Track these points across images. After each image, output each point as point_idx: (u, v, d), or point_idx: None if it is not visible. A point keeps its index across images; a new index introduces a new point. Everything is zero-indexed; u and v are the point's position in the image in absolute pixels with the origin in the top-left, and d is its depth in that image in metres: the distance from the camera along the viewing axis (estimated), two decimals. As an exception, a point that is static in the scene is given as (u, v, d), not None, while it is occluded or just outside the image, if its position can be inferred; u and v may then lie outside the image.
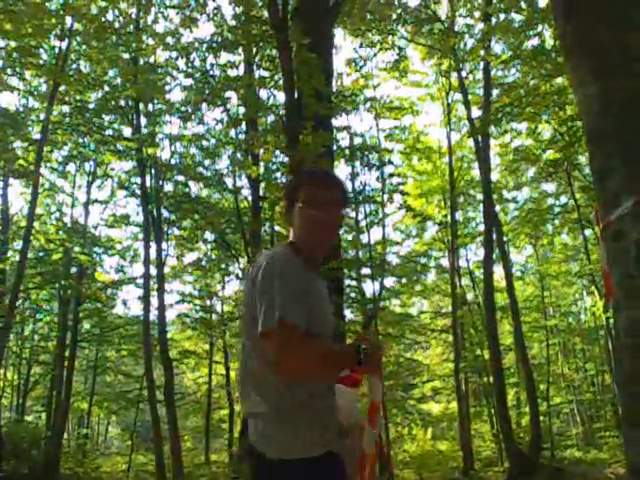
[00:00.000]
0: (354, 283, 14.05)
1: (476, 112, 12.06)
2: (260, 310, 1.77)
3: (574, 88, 2.40)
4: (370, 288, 14.29)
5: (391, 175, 12.94)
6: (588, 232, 13.88)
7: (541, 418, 12.66)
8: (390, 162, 12.22)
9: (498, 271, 14.31)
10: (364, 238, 13.93)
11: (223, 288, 16.38)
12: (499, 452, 13.48)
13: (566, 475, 10.17)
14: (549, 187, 15.82)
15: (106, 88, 11.88)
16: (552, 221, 15.30)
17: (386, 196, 12.45)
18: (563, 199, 15.02)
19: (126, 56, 11.47)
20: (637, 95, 2.14)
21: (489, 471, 12.54)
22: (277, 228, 11.25)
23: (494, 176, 14.94)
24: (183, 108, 11.68)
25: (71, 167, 14.61)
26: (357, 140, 12.83)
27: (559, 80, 9.25)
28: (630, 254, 2.09)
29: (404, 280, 17.11)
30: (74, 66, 11.75)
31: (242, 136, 11.65)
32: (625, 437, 2.12)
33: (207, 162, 12.83)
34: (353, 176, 12.61)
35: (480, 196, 13.43)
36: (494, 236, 11.41)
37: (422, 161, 15.83)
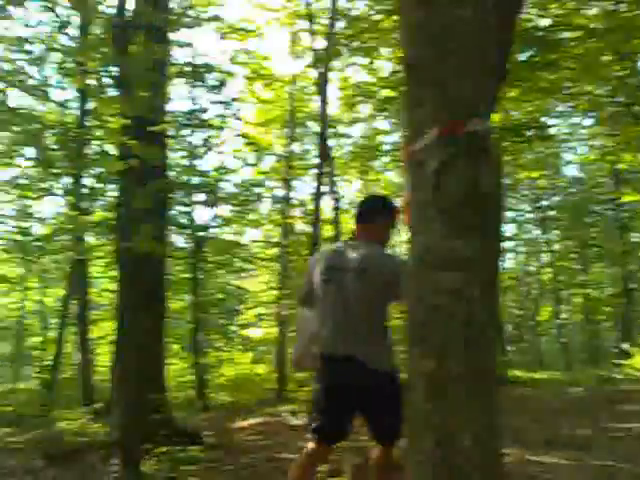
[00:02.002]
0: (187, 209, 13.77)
1: (320, 42, 11.96)
2: (400, 285, 3.19)
3: (400, 15, 2.39)
4: (203, 215, 14.10)
5: (234, 100, 12.59)
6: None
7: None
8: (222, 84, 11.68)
9: (328, 203, 14.75)
10: (200, 164, 13.60)
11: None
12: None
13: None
14: (382, 124, 16.41)
15: None
16: (381, 158, 15.99)
17: (227, 120, 12.11)
18: (395, 137, 15.61)
19: None
20: (456, 24, 2.18)
21: (301, 391, 13.27)
22: (106, 147, 10.54)
23: (333, 110, 15.18)
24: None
25: None
26: (200, 60, 12.20)
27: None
28: (428, 183, 2.19)
29: (238, 209, 17.07)
30: None
31: (72, 44, 10.56)
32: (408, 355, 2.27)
33: (31, 69, 11.42)
34: (191, 97, 12.07)
35: (318, 129, 13.56)
36: (326, 169, 11.68)
37: (265, 88, 15.55)
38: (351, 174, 17.91)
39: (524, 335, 24.58)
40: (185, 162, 13.50)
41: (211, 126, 12.25)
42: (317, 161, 11.91)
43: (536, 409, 8.63)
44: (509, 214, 21.56)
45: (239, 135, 13.68)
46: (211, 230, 14.42)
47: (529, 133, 10.74)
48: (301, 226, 17.28)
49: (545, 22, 8.89)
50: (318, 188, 11.59)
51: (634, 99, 12.30)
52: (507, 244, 22.34)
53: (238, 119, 12.19)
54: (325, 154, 11.55)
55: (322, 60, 10.70)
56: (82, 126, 10.18)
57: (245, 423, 8.84)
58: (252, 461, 6.06)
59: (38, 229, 14.87)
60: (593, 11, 11.11)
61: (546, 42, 7.79)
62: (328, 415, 3.44)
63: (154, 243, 6.12)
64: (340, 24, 11.18)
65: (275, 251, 16.63)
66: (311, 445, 3.47)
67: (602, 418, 7.56)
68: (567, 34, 8.31)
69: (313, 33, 11.65)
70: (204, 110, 11.89)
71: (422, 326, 2.17)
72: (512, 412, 8.08)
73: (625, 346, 15.00)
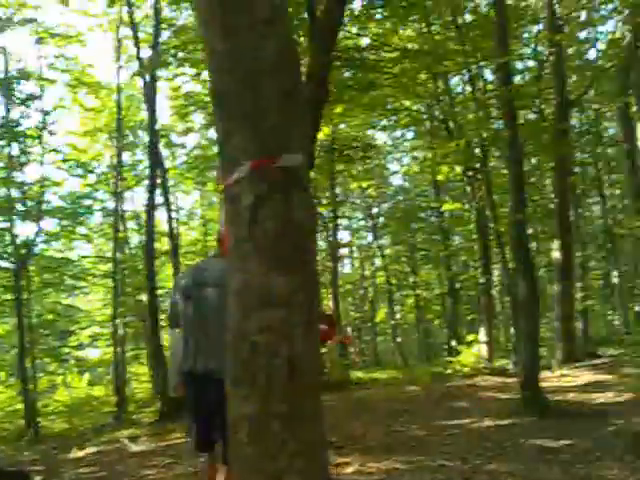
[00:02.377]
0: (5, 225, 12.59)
1: (146, 51, 11.53)
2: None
3: (205, 43, 2.29)
4: (25, 231, 12.95)
5: (54, 108, 11.68)
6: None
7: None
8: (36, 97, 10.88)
9: (164, 216, 14.31)
10: (19, 176, 12.50)
11: None
12: (154, 393, 13.75)
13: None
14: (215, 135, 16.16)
15: None
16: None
17: (46, 131, 11.22)
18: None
19: None
20: (261, 57, 2.12)
21: (142, 412, 12.68)
22: None
23: (165, 119, 14.72)
24: None
25: None
26: (17, 66, 11.23)
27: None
28: (244, 218, 2.11)
29: (65, 222, 15.95)
30: None
31: None
32: (229, 395, 2.19)
33: None
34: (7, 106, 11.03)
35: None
36: (158, 180, 11.28)
37: (90, 97, 14.68)
38: (188, 185, 17.52)
39: (363, 337, 25.66)
40: (2, 174, 12.37)
41: (29, 137, 11.30)
42: (148, 172, 11.45)
43: (376, 411, 8.91)
44: (344, 222, 22.50)
45: (60, 146, 12.76)
46: (36, 247, 13.32)
47: (353, 152, 11.21)
48: (136, 239, 16.56)
49: (364, 42, 9.35)
50: (151, 199, 11.13)
51: (448, 116, 13.41)
52: (343, 250, 23.25)
53: (52, 133, 11.27)
54: (156, 164, 11.15)
55: (148, 69, 10.31)
56: None
57: (81, 453, 8.15)
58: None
59: None
60: (408, 32, 11.96)
61: (365, 63, 8.18)
62: (197, 428, 3.59)
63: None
64: (166, 34, 10.87)
65: (109, 267, 15.75)
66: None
67: (436, 416, 7.94)
68: (385, 54, 8.79)
69: (138, 41, 11.16)
70: (17, 122, 10.92)
71: (245, 366, 2.09)
72: (352, 416, 8.33)
73: (453, 343, 16.25)
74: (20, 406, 11.95)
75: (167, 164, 15.10)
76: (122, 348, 14.31)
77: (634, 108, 11.36)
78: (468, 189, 13.84)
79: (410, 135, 18.78)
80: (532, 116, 14.16)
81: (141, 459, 6.80)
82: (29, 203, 13.04)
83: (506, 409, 7.58)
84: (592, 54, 16.65)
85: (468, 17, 12.43)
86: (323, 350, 14.10)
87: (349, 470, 5.31)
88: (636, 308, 21.17)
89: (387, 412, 8.68)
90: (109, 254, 15.93)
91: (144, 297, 12.94)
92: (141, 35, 11.58)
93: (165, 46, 9.98)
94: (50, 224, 14.58)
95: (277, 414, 2.03)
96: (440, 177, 15.64)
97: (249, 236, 2.11)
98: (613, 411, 7.03)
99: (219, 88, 2.22)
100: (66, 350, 18.41)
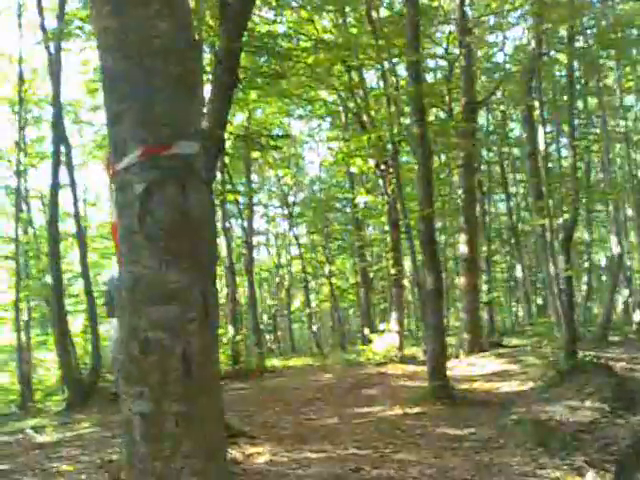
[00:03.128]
0: None
1: (51, 21, 10.87)
2: None
3: (94, 18, 2.15)
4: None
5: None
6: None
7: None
8: None
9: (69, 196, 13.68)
10: None
11: None
12: (62, 381, 13.24)
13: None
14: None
15: None
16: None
17: None
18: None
19: None
20: (154, 38, 2.03)
21: (49, 401, 12.17)
22: None
23: (75, 94, 14.05)
24: None
25: None
26: None
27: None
28: (134, 208, 2.02)
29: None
30: None
31: None
32: (122, 393, 2.10)
33: None
34: None
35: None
36: (63, 158, 10.75)
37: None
38: (96, 164, 16.86)
39: (279, 324, 25.75)
40: None
41: None
42: (52, 148, 10.86)
43: (289, 399, 8.95)
44: (260, 209, 22.41)
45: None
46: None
47: (266, 140, 11.13)
48: (41, 220, 15.80)
49: (279, 29, 9.32)
50: (55, 177, 10.56)
51: (362, 109, 13.60)
52: (259, 238, 23.19)
53: None
54: (61, 140, 10.60)
55: (52, 39, 9.73)
56: None
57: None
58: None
59: None
60: (325, 23, 12.02)
61: (279, 52, 8.15)
62: None
63: None
64: (74, 4, 10.33)
65: (12, 248, 14.91)
66: None
67: (348, 404, 8.14)
68: (300, 43, 8.79)
69: (42, 9, 10.48)
70: None
71: (137, 363, 2.00)
72: (266, 405, 8.35)
73: (366, 332, 16.58)
74: None
75: (74, 141, 14.47)
76: (27, 333, 13.68)
77: (537, 112, 11.98)
78: (380, 182, 14.12)
79: (326, 126, 18.95)
80: (442, 114, 14.62)
81: (47, 450, 6.53)
82: None
83: (415, 397, 7.85)
84: (500, 58, 17.38)
85: (383, 12, 12.63)
86: (238, 337, 14.11)
87: (261, 460, 5.32)
88: (539, 300, 22.45)
89: (300, 400, 8.79)
90: (11, 234, 15.10)
91: (49, 280, 12.36)
92: (46, 3, 10.90)
93: (72, 17, 9.46)
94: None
95: (172, 413, 1.97)
96: (354, 169, 15.88)
97: (139, 227, 2.01)
98: (516, 400, 7.37)
99: (108, 67, 2.10)
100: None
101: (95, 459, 5.57)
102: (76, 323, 16.11)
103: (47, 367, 15.39)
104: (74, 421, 8.45)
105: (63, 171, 10.95)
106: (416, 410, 7.28)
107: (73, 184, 11.41)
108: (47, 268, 12.86)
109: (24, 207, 14.38)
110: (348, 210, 21.64)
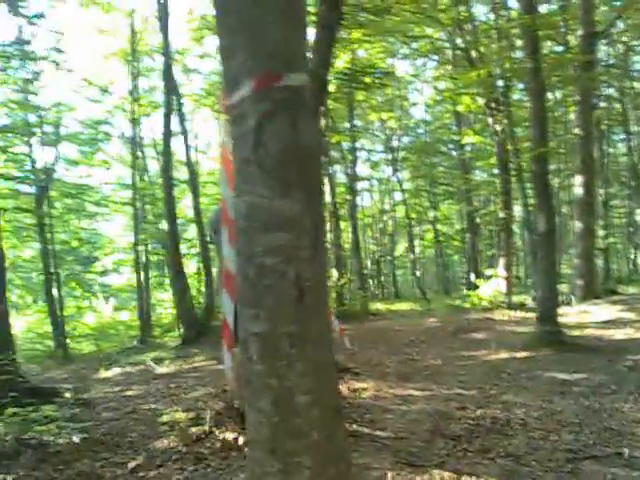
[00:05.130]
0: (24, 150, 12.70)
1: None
2: None
3: None
4: (44, 157, 13.04)
5: (65, 31, 11.42)
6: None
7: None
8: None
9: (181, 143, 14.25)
10: (34, 100, 12.47)
11: None
12: (177, 318, 14.16)
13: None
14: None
15: None
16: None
17: (57, 52, 10.99)
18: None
19: None
20: None
21: (167, 337, 13.06)
22: None
23: (181, 44, 14.40)
24: None
25: None
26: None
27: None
28: (248, 139, 2.08)
29: (84, 149, 16.04)
30: None
31: None
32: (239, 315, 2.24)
33: None
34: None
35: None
36: (174, 107, 11.18)
37: (103, 19, 14.39)
38: (206, 112, 17.32)
39: (383, 270, 25.87)
40: (18, 98, 12.34)
41: (33, 58, 11.07)
42: (163, 97, 11.30)
43: (393, 340, 9.07)
44: (363, 154, 22.23)
45: (74, 70, 12.58)
46: (56, 172, 13.44)
47: (370, 78, 10.89)
48: (155, 167, 16.61)
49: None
50: (167, 126, 11.05)
51: (470, 44, 12.94)
52: (363, 184, 23.10)
53: (60, 51, 10.96)
54: (171, 90, 11.00)
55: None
56: None
57: (108, 373, 8.52)
58: (112, 415, 5.86)
59: None
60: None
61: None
62: None
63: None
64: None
65: (129, 194, 15.88)
66: None
67: (453, 347, 8.10)
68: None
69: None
70: (27, 41, 10.70)
71: (253, 287, 2.11)
72: (370, 345, 8.48)
73: (472, 278, 16.33)
74: (49, 329, 12.36)
75: (184, 90, 14.92)
76: (146, 274, 14.63)
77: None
78: (490, 122, 13.54)
79: (432, 64, 18.26)
80: (557, 47, 13.63)
81: (166, 380, 7.06)
82: (47, 128, 13.10)
83: (523, 342, 7.68)
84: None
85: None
86: (342, 281, 14.38)
87: (365, 395, 5.47)
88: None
89: (404, 342, 8.85)
90: (129, 181, 16.03)
91: (165, 225, 13.13)
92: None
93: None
94: (69, 150, 14.63)
95: (286, 334, 2.07)
96: (461, 108, 15.27)
97: (254, 158, 2.08)
98: (630, 347, 7.08)
99: (219, 2, 2.15)
100: (91, 276, 18.91)
101: (210, 388, 5.89)
102: (190, 265, 17.07)
103: (164, 306, 16.50)
104: (189, 355, 9.04)
105: (174, 119, 11.40)
106: (524, 354, 7.12)
107: (184, 132, 11.87)
108: (162, 213, 13.62)
109: (139, 155, 15.13)
110: (454, 153, 21.01)
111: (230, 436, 4.02)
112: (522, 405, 4.85)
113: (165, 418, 5.18)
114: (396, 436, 4.13)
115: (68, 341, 12.08)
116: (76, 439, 5.15)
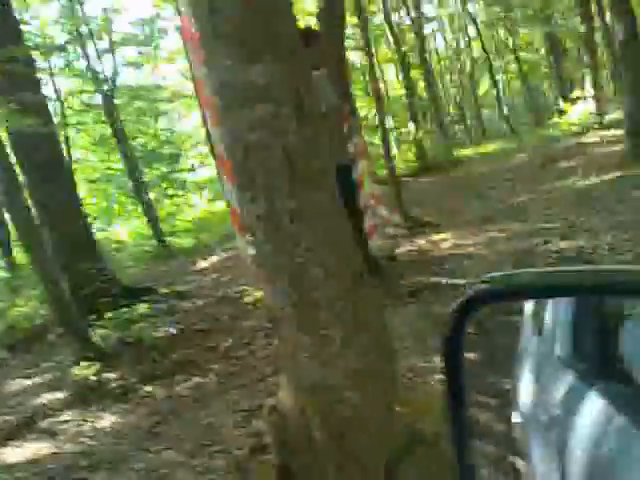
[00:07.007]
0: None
1: None
2: None
3: None
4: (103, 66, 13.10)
5: None
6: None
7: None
8: None
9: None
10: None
11: None
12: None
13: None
14: None
15: None
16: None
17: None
18: None
19: None
20: None
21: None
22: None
23: None
24: None
25: None
26: None
27: None
28: (203, 5, 1.92)
29: (143, 49, 15.90)
30: None
31: None
32: (237, 203, 2.18)
33: None
34: None
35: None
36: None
37: None
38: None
39: (466, 112, 24.69)
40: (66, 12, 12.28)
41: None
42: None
43: (476, 185, 8.86)
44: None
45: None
46: (119, 78, 13.52)
47: None
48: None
49: None
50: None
51: None
52: (432, 25, 21.55)
53: None
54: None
55: None
56: None
57: (206, 263, 8.95)
58: (205, 302, 6.19)
59: None
60: None
61: None
62: None
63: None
64: None
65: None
66: None
67: (540, 180, 7.82)
68: None
69: None
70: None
71: (244, 168, 2.01)
72: (452, 194, 8.36)
73: (560, 103, 15.25)
74: (150, 231, 12.95)
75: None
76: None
77: None
78: None
79: None
80: None
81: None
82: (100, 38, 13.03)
83: (612, 163, 7.26)
84: None
85: None
86: (420, 134, 13.85)
87: (446, 245, 5.45)
88: None
89: (488, 185, 8.66)
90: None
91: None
92: None
93: None
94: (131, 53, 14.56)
95: (285, 211, 1.99)
96: None
97: (211, 25, 1.91)
98: None
99: None
100: (178, 175, 19.47)
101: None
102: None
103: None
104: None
105: None
106: (613, 176, 6.70)
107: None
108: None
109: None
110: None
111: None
112: (610, 229, 4.61)
113: (248, 299, 5.41)
114: (475, 281, 4.10)
115: (168, 239, 12.64)
116: (173, 330, 5.55)
